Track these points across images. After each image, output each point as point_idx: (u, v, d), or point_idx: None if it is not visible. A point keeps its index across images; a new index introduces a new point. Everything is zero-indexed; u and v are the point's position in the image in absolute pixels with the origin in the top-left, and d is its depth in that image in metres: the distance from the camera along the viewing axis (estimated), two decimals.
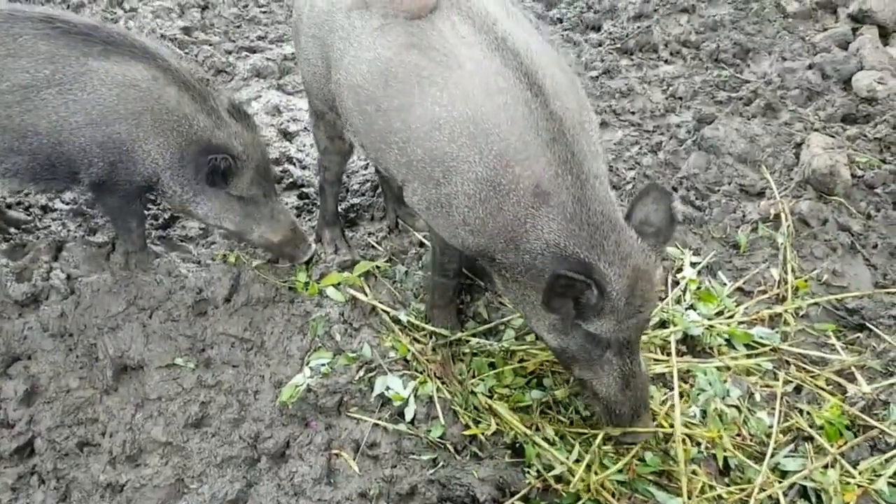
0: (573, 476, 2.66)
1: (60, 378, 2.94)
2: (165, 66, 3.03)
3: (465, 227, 2.50)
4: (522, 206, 2.34)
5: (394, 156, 2.59)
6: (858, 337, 3.17)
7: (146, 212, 3.61)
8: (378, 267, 3.41)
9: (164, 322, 3.16)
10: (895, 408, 2.82)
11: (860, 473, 2.62)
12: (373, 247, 3.58)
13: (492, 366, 3.06)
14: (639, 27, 5.14)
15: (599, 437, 2.75)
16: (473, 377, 3.03)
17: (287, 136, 4.29)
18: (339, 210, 3.75)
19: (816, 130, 4.17)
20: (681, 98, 4.49)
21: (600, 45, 5.01)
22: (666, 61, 4.88)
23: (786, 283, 3.32)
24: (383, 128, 2.57)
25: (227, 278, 3.31)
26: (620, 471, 2.69)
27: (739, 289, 3.32)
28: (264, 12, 5.38)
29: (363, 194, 3.85)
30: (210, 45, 4.98)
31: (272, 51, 4.96)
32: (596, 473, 2.67)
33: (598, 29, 5.20)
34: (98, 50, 2.95)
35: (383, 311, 3.20)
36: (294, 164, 4.06)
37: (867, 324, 3.18)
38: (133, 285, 3.22)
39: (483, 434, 2.81)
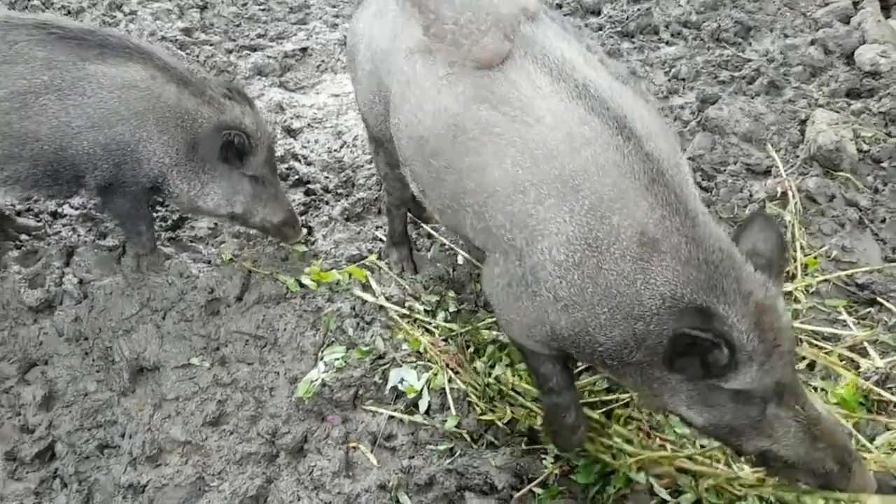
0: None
1: (78, 382, 2.96)
2: (162, 64, 3.07)
3: (557, 305, 2.16)
4: (628, 260, 2.03)
5: (469, 219, 2.34)
6: (870, 312, 3.16)
7: (154, 214, 3.63)
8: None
9: (178, 322, 3.18)
10: None
11: (877, 448, 2.63)
12: (381, 240, 3.59)
13: (507, 355, 3.07)
14: (638, 9, 5.12)
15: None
16: (491, 367, 3.03)
17: (291, 132, 4.30)
18: (346, 204, 3.77)
19: (821, 106, 4.16)
20: (683, 79, 4.48)
21: (601, 29, 5.00)
22: (667, 43, 4.87)
23: (795, 260, 3.31)
24: (454, 186, 2.34)
25: (238, 277, 3.32)
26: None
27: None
28: (263, 10, 5.39)
29: (369, 188, 3.87)
30: (210, 44, 4.99)
31: (273, 48, 4.96)
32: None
33: (597, 13, 5.19)
34: (94, 53, 2.97)
35: (391, 307, 3.21)
36: (299, 161, 4.08)
37: (878, 298, 3.18)
38: (145, 287, 3.25)
39: (499, 421, 2.82)
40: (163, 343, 3.10)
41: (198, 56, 4.84)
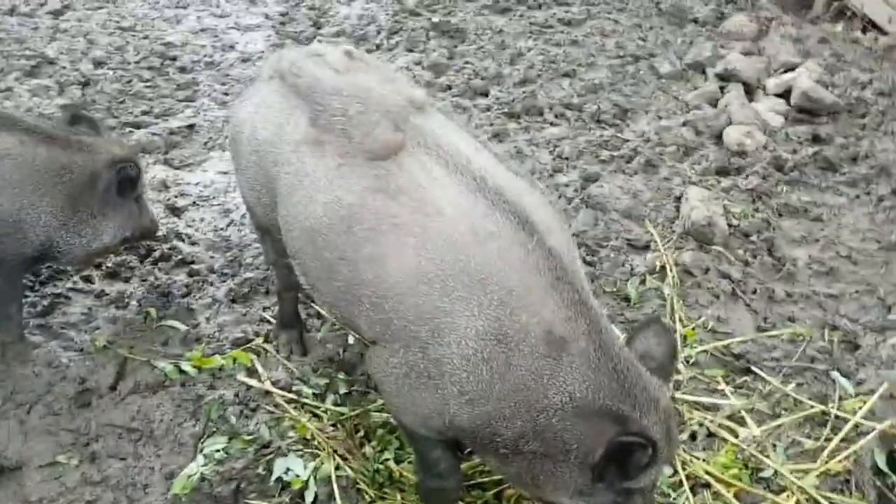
0: None
1: None
2: (26, 126, 3.01)
3: (462, 398, 2.13)
4: (537, 357, 2.03)
5: (364, 311, 2.26)
6: (746, 381, 3.29)
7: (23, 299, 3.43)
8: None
9: (45, 417, 2.97)
10: (782, 448, 2.94)
11: None
12: (268, 321, 3.50)
13: (397, 438, 3.01)
14: (524, 92, 5.33)
15: None
16: (381, 451, 2.96)
17: (175, 211, 4.18)
18: (232, 285, 3.67)
19: (693, 184, 4.40)
20: (567, 158, 4.65)
21: (488, 110, 5.16)
22: (551, 123, 5.06)
23: (675, 332, 3.43)
24: (348, 278, 2.27)
25: (112, 365, 3.16)
26: None
27: (629, 331, 3.40)
28: (149, 86, 5.29)
29: (257, 268, 3.78)
30: None
31: (157, 125, 4.85)
32: None
33: (485, 94, 5.36)
34: None
35: (277, 392, 3.11)
36: (183, 241, 3.95)
37: (752, 367, 3.32)
38: (9, 379, 3.03)
39: None
40: (27, 440, 2.87)
41: None
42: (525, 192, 2.27)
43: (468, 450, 2.72)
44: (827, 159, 4.59)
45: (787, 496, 2.77)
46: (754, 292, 3.72)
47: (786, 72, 5.49)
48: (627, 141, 4.81)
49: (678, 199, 4.27)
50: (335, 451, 2.90)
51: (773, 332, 3.49)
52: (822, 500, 2.75)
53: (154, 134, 4.76)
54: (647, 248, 3.96)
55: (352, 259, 2.24)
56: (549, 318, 2.04)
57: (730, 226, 4.06)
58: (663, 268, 3.78)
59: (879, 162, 4.54)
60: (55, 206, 3.01)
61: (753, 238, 4.02)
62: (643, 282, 3.73)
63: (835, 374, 3.28)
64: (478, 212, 2.14)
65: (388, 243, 2.17)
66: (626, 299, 3.66)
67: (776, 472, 2.85)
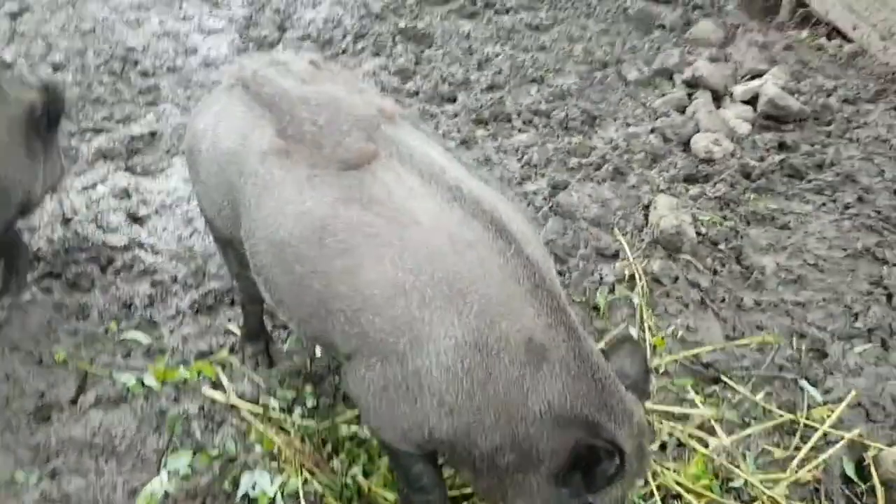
0: None
1: None
2: None
3: (441, 409, 2.10)
4: (517, 366, 2.03)
5: (339, 325, 2.21)
6: (715, 390, 3.30)
7: None
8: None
9: (2, 433, 2.91)
10: (751, 458, 2.95)
11: None
12: (234, 333, 3.43)
13: (367, 452, 2.96)
14: (492, 98, 5.30)
15: None
16: (350, 464, 2.91)
17: (137, 220, 4.08)
18: (196, 296, 3.59)
19: (662, 191, 4.41)
20: (535, 166, 4.64)
21: (456, 116, 5.12)
22: (520, 130, 5.04)
23: (644, 342, 3.43)
24: (321, 292, 2.21)
25: (73, 378, 3.08)
26: None
27: (602, 351, 3.38)
28: (109, 91, 5.16)
29: (221, 278, 3.70)
30: None
31: (119, 131, 4.73)
32: None
33: (453, 100, 5.32)
34: None
35: (243, 406, 3.05)
36: (145, 250, 3.86)
37: (721, 376, 3.33)
38: None
39: None
40: None
41: None
42: (499, 201, 2.26)
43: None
44: (793, 167, 4.63)
45: None
46: (723, 301, 3.74)
47: (752, 78, 5.53)
48: (595, 148, 4.80)
49: (647, 206, 4.28)
50: (303, 466, 2.85)
51: (742, 341, 3.50)
52: None
53: (115, 140, 4.64)
54: (615, 256, 3.95)
55: (325, 272, 2.19)
56: (529, 325, 2.04)
57: (698, 234, 4.07)
58: (632, 277, 3.78)
59: (845, 170, 4.59)
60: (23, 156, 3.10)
61: (722, 246, 4.04)
62: (612, 291, 3.72)
63: (803, 382, 3.30)
64: (455, 221, 2.12)
65: (363, 254, 2.13)
66: (596, 308, 3.65)
67: (746, 481, 2.86)
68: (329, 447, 2.97)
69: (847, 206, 4.36)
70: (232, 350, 3.33)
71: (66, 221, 4.00)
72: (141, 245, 3.90)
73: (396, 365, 2.13)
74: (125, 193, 4.26)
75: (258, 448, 2.92)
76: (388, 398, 2.18)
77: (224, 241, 2.89)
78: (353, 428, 3.00)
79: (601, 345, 3.40)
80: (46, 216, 3.98)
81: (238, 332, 3.40)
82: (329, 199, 2.19)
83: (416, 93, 5.36)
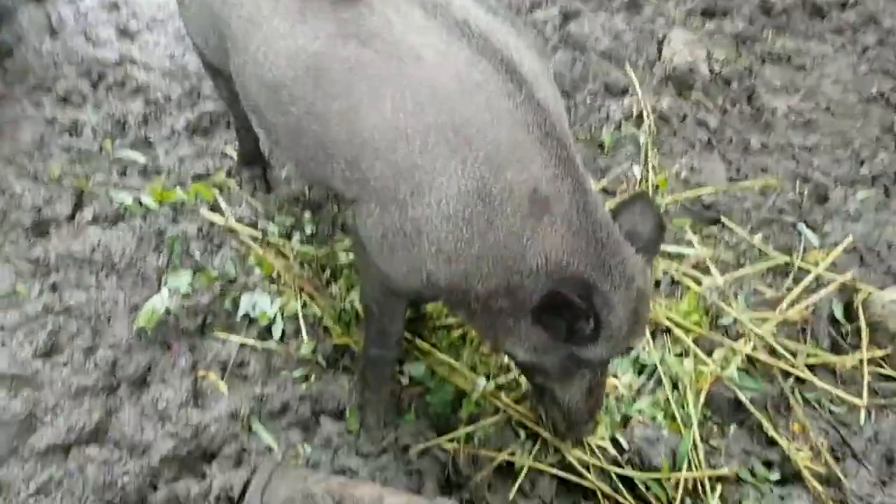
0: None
1: None
2: None
3: (439, 256, 2.02)
4: (519, 217, 1.93)
5: (339, 170, 2.08)
6: (713, 231, 3.30)
7: None
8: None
9: (1, 245, 2.89)
10: (743, 297, 2.99)
11: (714, 361, 2.78)
12: (230, 157, 3.36)
13: None
14: None
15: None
16: (347, 290, 2.95)
17: (127, 34, 3.89)
18: (191, 117, 3.50)
19: (678, 26, 4.21)
20: None
21: None
22: None
23: (647, 181, 3.39)
24: (319, 136, 2.07)
25: (69, 195, 3.05)
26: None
27: (603, 189, 3.36)
28: None
29: (217, 99, 3.58)
30: None
31: None
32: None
33: None
34: None
35: (242, 229, 3.04)
36: (137, 67, 3.71)
37: (721, 218, 3.31)
38: None
39: (355, 345, 2.77)
40: None
41: None
42: (510, 37, 2.07)
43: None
44: (815, 4, 4.41)
45: (744, 342, 2.85)
46: (730, 142, 3.66)
47: None
48: None
49: (661, 41, 4.10)
50: (302, 290, 2.89)
51: (745, 183, 3.46)
52: (777, 346, 2.84)
53: None
54: (624, 92, 3.83)
55: (321, 115, 2.04)
56: (535, 176, 1.92)
57: (711, 71, 3.93)
58: (640, 114, 3.68)
59: (868, 9, 4.37)
60: None
61: (734, 85, 3.91)
62: (618, 128, 3.64)
63: (801, 226, 3.30)
64: (462, 59, 1.95)
65: (361, 95, 1.97)
66: (601, 146, 3.58)
67: (736, 319, 2.91)
68: (328, 273, 3.00)
69: (865, 49, 4.19)
70: (229, 173, 3.28)
71: (53, 33, 3.82)
72: (133, 61, 3.75)
73: (395, 212, 2.03)
74: (114, 6, 4.05)
75: (257, 271, 2.94)
76: (387, 244, 2.11)
77: (213, 70, 2.73)
78: (352, 255, 3.01)
79: (604, 183, 3.38)
80: (33, 26, 3.80)
81: (235, 156, 3.34)
82: (323, 34, 2.00)
83: None
